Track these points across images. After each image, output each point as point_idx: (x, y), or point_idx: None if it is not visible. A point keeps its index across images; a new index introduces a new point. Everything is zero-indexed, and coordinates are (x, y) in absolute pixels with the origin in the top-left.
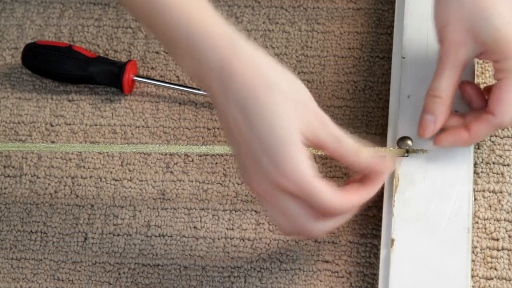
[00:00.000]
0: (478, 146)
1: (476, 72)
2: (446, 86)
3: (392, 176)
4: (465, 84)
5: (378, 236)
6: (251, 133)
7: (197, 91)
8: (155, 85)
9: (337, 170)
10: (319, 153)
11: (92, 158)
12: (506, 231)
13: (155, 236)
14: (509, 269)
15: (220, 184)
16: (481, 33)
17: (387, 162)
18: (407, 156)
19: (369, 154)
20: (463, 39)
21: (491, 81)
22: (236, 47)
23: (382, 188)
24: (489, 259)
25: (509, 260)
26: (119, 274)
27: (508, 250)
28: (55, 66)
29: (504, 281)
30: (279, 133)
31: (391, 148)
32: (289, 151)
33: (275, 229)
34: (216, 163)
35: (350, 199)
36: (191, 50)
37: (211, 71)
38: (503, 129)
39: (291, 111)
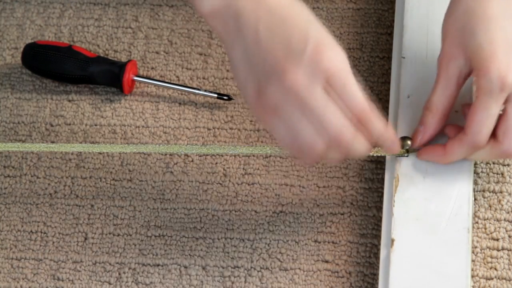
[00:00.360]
0: None
1: None
2: (439, 100)
3: (392, 176)
4: (465, 106)
5: (378, 236)
6: (291, 28)
7: (197, 91)
8: (155, 85)
9: (337, 170)
10: None
11: (92, 158)
12: (506, 231)
13: (155, 236)
14: (509, 269)
15: (220, 184)
16: (467, 48)
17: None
18: (407, 156)
19: (383, 121)
20: (454, 52)
21: None
22: None
23: (382, 188)
24: (489, 259)
25: (509, 260)
26: (119, 274)
27: (508, 250)
28: (55, 66)
29: (504, 281)
30: (324, 31)
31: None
32: (334, 44)
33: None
34: (216, 163)
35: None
36: None
37: None
38: (501, 159)
39: None
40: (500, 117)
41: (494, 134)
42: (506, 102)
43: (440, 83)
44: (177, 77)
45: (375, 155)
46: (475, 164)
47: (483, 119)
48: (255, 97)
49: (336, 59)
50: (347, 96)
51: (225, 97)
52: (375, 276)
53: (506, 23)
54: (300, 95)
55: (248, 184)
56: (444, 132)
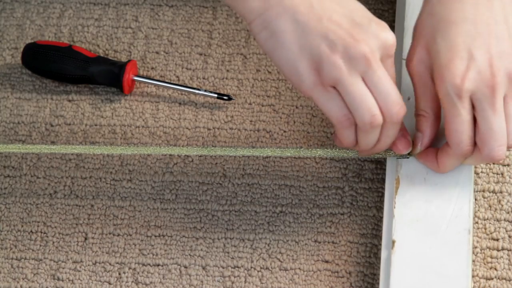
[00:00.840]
0: None
1: None
2: (424, 105)
3: (393, 177)
4: None
5: (378, 236)
6: (349, 4)
7: (197, 91)
8: (155, 85)
9: (336, 171)
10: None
11: (91, 158)
12: (506, 231)
13: (155, 236)
14: (509, 269)
15: (220, 184)
16: (430, 53)
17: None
18: (408, 157)
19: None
20: (421, 55)
21: None
22: None
23: (382, 188)
24: (489, 259)
25: (509, 260)
26: (119, 274)
27: (508, 250)
28: (55, 66)
29: (504, 281)
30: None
31: (391, 150)
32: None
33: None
34: (216, 164)
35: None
36: None
37: None
38: (490, 163)
39: None
40: (474, 125)
41: (475, 141)
42: (474, 109)
43: (418, 88)
44: (177, 77)
45: (376, 156)
46: None
47: (458, 128)
48: (312, 74)
49: (393, 39)
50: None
51: (225, 97)
52: (375, 276)
53: (470, 27)
54: (369, 64)
55: (248, 184)
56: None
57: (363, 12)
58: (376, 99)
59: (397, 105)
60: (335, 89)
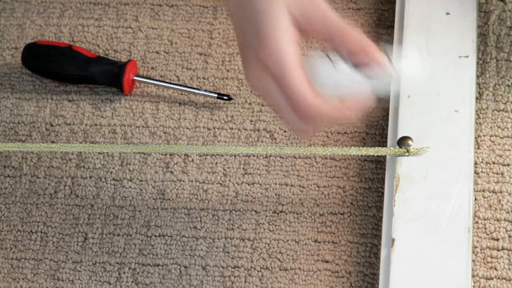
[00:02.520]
0: (478, 146)
1: (476, 72)
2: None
3: (393, 176)
4: None
5: (378, 236)
6: (244, 10)
7: (197, 91)
8: (155, 85)
9: (337, 170)
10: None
11: (92, 158)
12: (506, 231)
13: (155, 236)
14: (509, 269)
15: (220, 184)
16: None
17: (378, 51)
18: (407, 155)
19: (361, 33)
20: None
21: (491, 81)
22: None
23: (382, 188)
24: (489, 259)
25: (509, 260)
26: (119, 274)
27: (508, 250)
28: (55, 66)
29: (504, 281)
30: (264, 8)
31: (391, 148)
32: (272, 27)
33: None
34: (216, 163)
35: (326, 105)
36: None
37: None
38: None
39: None
40: None
41: None
42: None
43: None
44: (177, 77)
45: (375, 154)
46: (475, 164)
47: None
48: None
49: (272, 51)
50: (285, 91)
51: (225, 97)
52: (375, 276)
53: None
54: (258, 92)
55: (248, 184)
56: None
57: (255, 19)
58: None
59: (296, 130)
60: None
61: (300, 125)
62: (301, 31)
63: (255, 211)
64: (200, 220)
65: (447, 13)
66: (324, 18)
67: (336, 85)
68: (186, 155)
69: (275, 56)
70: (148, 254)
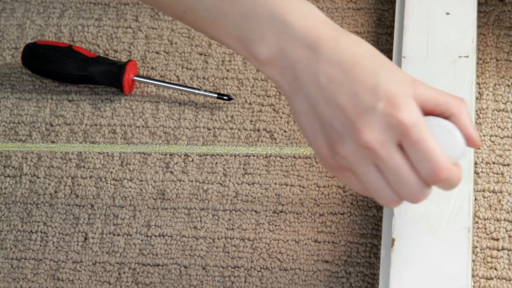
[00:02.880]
0: None
1: (476, 72)
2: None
3: None
4: None
5: (378, 236)
6: (358, 83)
7: (197, 91)
8: (155, 85)
9: None
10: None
11: (92, 158)
12: (506, 231)
13: (155, 236)
14: (509, 269)
15: (220, 184)
16: None
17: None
18: None
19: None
20: None
21: (491, 81)
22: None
23: None
24: (489, 259)
25: (509, 260)
26: (119, 274)
27: (508, 250)
28: (55, 66)
29: (504, 281)
30: (395, 79)
31: None
32: (406, 92)
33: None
34: (216, 163)
35: (456, 169)
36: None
37: (295, 40)
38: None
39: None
40: None
41: None
42: None
43: None
44: (177, 77)
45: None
46: (475, 164)
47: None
48: (328, 154)
49: (411, 114)
50: (422, 153)
51: (225, 97)
52: (375, 276)
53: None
54: (377, 154)
55: (248, 184)
56: None
57: (371, 85)
58: (392, 187)
59: (412, 195)
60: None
61: (420, 190)
62: None
63: (255, 211)
64: (200, 220)
65: (447, 13)
66: (424, 154)
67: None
68: (186, 155)
69: (414, 118)
70: (148, 254)
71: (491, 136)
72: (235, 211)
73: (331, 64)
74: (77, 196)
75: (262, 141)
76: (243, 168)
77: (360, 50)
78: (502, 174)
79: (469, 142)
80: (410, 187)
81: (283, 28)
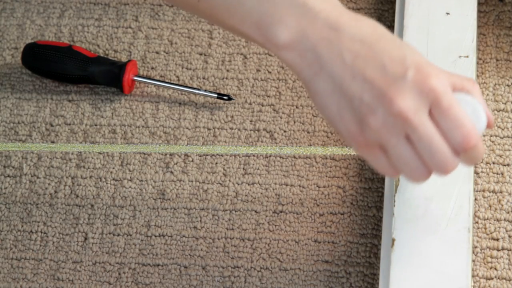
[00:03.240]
0: None
1: (476, 72)
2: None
3: None
4: None
5: (378, 236)
6: (384, 56)
7: (197, 91)
8: (155, 85)
9: (337, 170)
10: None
11: (92, 158)
12: (506, 231)
13: (155, 236)
14: (509, 269)
15: (220, 184)
16: None
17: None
18: None
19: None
20: None
21: (491, 81)
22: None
23: (382, 188)
24: (489, 259)
25: (509, 260)
26: (119, 274)
27: (508, 250)
28: (55, 66)
29: (504, 281)
30: (419, 53)
31: None
32: (434, 67)
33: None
34: (216, 163)
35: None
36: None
37: (317, 22)
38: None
39: None
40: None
41: None
42: None
43: None
44: (177, 77)
45: None
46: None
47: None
48: (357, 130)
49: (440, 81)
50: (453, 120)
51: (225, 97)
52: (375, 276)
53: None
54: (409, 122)
55: (248, 184)
56: None
57: (398, 56)
58: (421, 157)
59: (443, 164)
60: (382, 147)
61: (451, 158)
62: None
63: (255, 211)
64: (200, 220)
65: (447, 13)
66: (455, 120)
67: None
68: (186, 155)
69: (445, 85)
70: (148, 254)
71: (491, 136)
72: (235, 211)
73: (354, 42)
74: (77, 196)
75: (262, 141)
76: (243, 168)
77: (380, 29)
78: (502, 174)
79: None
80: (441, 155)
81: (303, 11)
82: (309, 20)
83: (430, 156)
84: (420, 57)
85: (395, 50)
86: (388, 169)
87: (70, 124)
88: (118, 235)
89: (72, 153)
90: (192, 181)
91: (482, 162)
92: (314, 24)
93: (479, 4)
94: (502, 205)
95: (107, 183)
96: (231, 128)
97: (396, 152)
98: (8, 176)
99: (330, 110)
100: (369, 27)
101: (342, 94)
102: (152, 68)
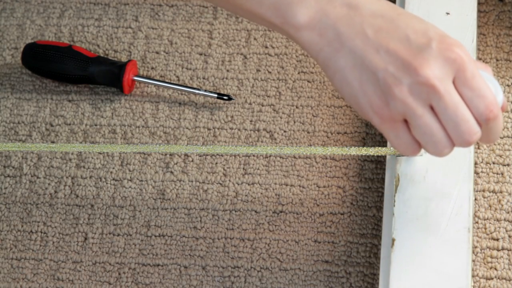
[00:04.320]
0: (478, 146)
1: None
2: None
3: (393, 176)
4: None
5: (378, 236)
6: (407, 28)
7: (197, 91)
8: (155, 85)
9: (337, 170)
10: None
11: (92, 158)
12: (506, 231)
13: (155, 236)
14: (509, 269)
15: (220, 184)
16: None
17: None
18: (407, 155)
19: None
20: None
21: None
22: None
23: (382, 188)
24: (489, 259)
25: (509, 260)
26: (119, 274)
27: (508, 250)
28: (55, 66)
29: (504, 281)
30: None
31: (391, 148)
32: (450, 36)
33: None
34: (216, 163)
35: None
36: None
37: (336, 1)
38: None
39: None
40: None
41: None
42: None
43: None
44: (177, 77)
45: (375, 154)
46: (475, 164)
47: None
48: (381, 103)
49: (463, 51)
50: (477, 89)
51: (225, 97)
52: (375, 276)
53: None
54: (435, 90)
55: (248, 184)
56: None
57: (421, 29)
58: (445, 128)
59: (467, 134)
60: (405, 121)
61: (475, 128)
62: None
63: (255, 211)
64: (200, 220)
65: (447, 13)
66: (479, 90)
67: None
68: (186, 155)
69: (469, 55)
70: (148, 254)
71: None
72: (235, 211)
73: (375, 17)
74: (77, 196)
75: (262, 141)
76: (243, 168)
77: (398, 7)
78: (502, 174)
79: None
80: (466, 124)
81: None
82: (328, 0)
83: (455, 125)
84: (442, 31)
85: (417, 23)
86: (410, 145)
87: (70, 124)
88: (118, 235)
89: (72, 153)
90: (192, 181)
91: (482, 162)
92: (333, 2)
93: (479, 4)
94: (502, 205)
95: (107, 183)
96: (231, 128)
97: (421, 123)
98: (8, 176)
99: (352, 86)
100: (388, 4)
101: (365, 67)
102: (152, 68)
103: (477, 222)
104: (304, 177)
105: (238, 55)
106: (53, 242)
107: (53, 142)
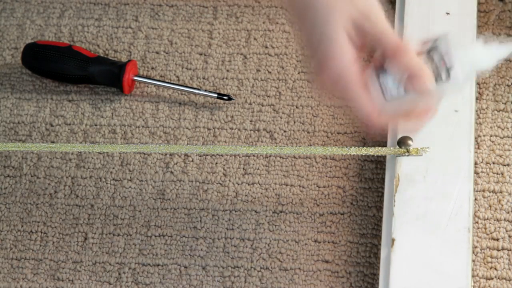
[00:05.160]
0: (478, 146)
1: None
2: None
3: (393, 176)
4: None
5: (378, 236)
6: (309, 25)
7: (197, 91)
8: (155, 85)
9: (337, 170)
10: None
11: (92, 158)
12: (506, 231)
13: (155, 236)
14: (509, 269)
15: (220, 184)
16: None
17: (427, 75)
18: (407, 155)
19: (414, 55)
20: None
21: (491, 81)
22: None
23: (382, 188)
24: (489, 259)
25: (509, 260)
26: (119, 274)
27: (508, 250)
28: (55, 66)
29: (504, 281)
30: (322, 27)
31: (391, 148)
32: (333, 46)
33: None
34: (216, 163)
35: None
36: None
37: None
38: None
39: (335, 8)
40: None
41: None
42: None
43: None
44: (177, 77)
45: (375, 154)
46: (475, 164)
47: None
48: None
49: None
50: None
51: (225, 97)
52: (375, 276)
53: None
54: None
55: (248, 184)
56: None
57: None
58: None
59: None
60: None
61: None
62: (359, 47)
63: (255, 211)
64: (200, 220)
65: (447, 13)
66: (379, 34)
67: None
68: (186, 155)
69: (337, 78)
70: (148, 254)
71: (491, 136)
72: (235, 211)
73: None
74: (77, 196)
75: (262, 141)
76: (243, 168)
77: None
78: (502, 174)
79: None
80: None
81: None
82: None
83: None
84: None
85: None
86: None
87: (70, 124)
88: (118, 235)
89: (72, 153)
90: (192, 181)
91: (482, 162)
92: None
93: (479, 4)
94: (502, 205)
95: (107, 183)
96: (231, 128)
97: None
98: (8, 176)
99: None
100: None
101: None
102: (152, 68)
103: (477, 222)
104: (304, 177)
105: (238, 55)
106: (53, 242)
107: (53, 142)
